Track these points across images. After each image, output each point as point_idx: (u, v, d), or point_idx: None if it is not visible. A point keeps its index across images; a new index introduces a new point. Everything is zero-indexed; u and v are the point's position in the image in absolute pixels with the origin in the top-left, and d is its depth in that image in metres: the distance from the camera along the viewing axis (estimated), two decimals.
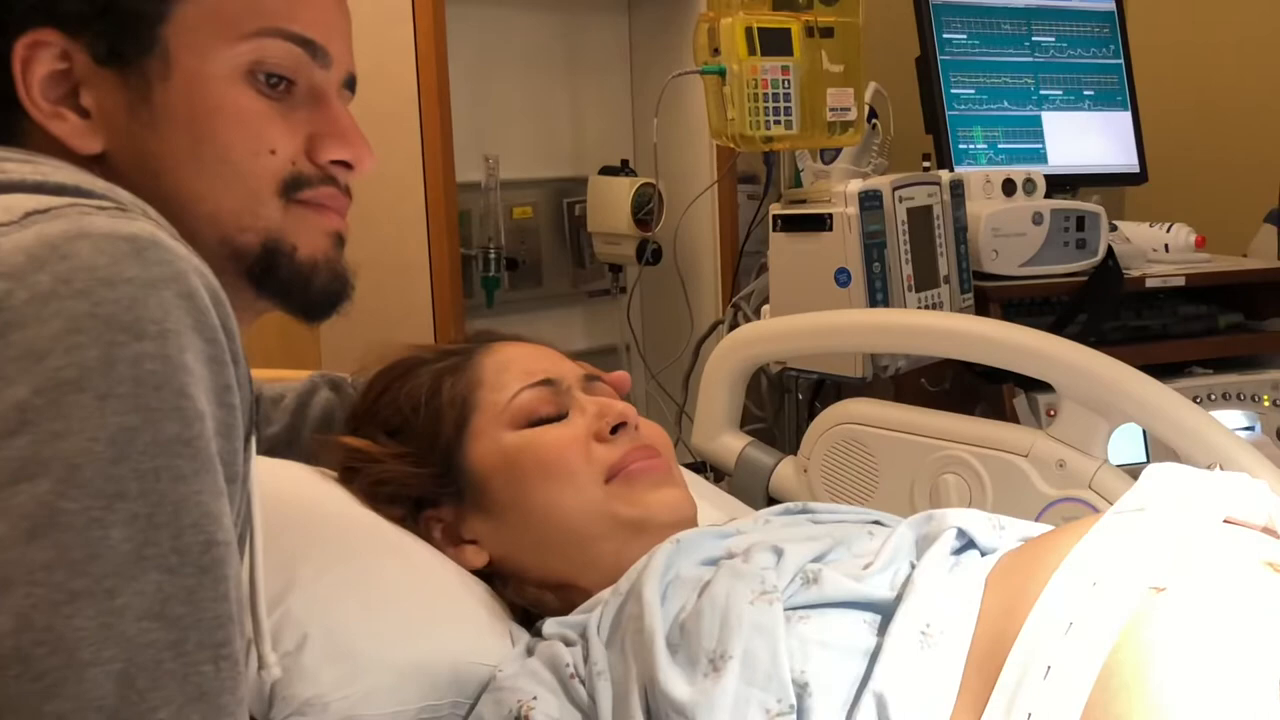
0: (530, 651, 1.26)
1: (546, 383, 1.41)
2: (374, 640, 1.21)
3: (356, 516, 1.37)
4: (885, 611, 1.16)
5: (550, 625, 1.28)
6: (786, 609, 1.15)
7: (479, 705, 1.23)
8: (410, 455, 1.40)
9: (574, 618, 1.28)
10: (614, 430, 1.40)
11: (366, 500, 1.40)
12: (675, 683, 1.11)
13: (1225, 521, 1.13)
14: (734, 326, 2.53)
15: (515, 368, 1.43)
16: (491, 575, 1.40)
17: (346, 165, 1.08)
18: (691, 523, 1.41)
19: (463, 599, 1.35)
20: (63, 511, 0.76)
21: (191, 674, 0.80)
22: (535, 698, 1.17)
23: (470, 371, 1.43)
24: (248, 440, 0.91)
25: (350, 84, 1.12)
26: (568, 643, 1.24)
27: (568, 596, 1.35)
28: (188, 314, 0.82)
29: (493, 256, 2.86)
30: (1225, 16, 3.21)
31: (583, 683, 1.17)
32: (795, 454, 1.99)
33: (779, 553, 1.24)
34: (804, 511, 1.42)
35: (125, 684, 0.77)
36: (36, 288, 0.79)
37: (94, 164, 0.98)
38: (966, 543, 1.26)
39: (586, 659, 1.19)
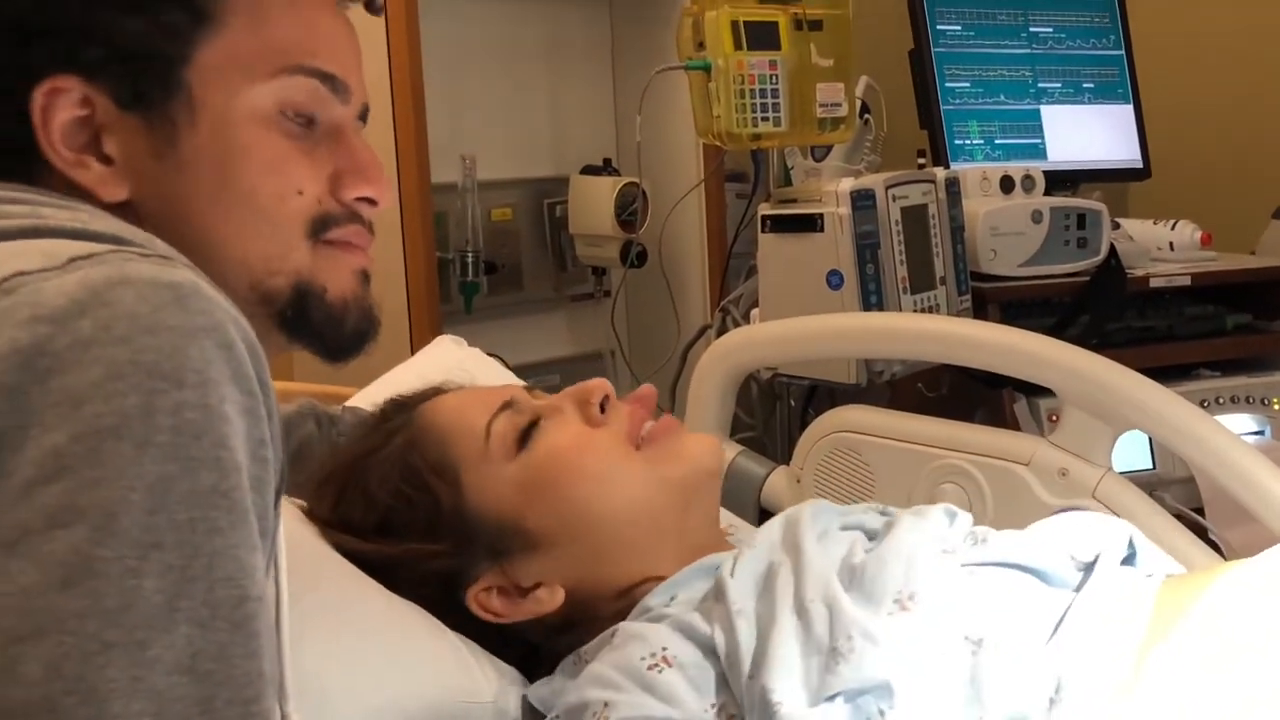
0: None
1: (507, 405, 1.38)
2: (344, 677, 1.19)
3: (322, 549, 1.33)
4: (1049, 581, 1.25)
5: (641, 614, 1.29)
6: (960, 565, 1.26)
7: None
8: (418, 539, 1.35)
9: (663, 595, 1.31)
10: (602, 410, 1.39)
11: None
12: (860, 612, 1.16)
13: None
14: (722, 331, 2.52)
15: (468, 409, 1.39)
16: (565, 620, 1.35)
17: (370, 201, 1.10)
18: (723, 463, 1.46)
19: (439, 632, 1.32)
20: (98, 560, 0.76)
21: None
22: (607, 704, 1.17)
23: (427, 436, 1.38)
24: (278, 496, 0.91)
25: (364, 115, 1.13)
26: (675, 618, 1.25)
27: (649, 590, 1.33)
28: (227, 364, 0.83)
29: (471, 260, 2.85)
30: (1230, 5, 3.21)
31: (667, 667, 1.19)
32: (787, 463, 1.98)
33: (952, 515, 1.35)
34: (886, 513, 1.44)
35: None
36: (78, 333, 0.79)
37: (119, 211, 0.98)
38: (1130, 555, 1.33)
39: (724, 601, 1.22)
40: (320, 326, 1.08)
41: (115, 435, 0.78)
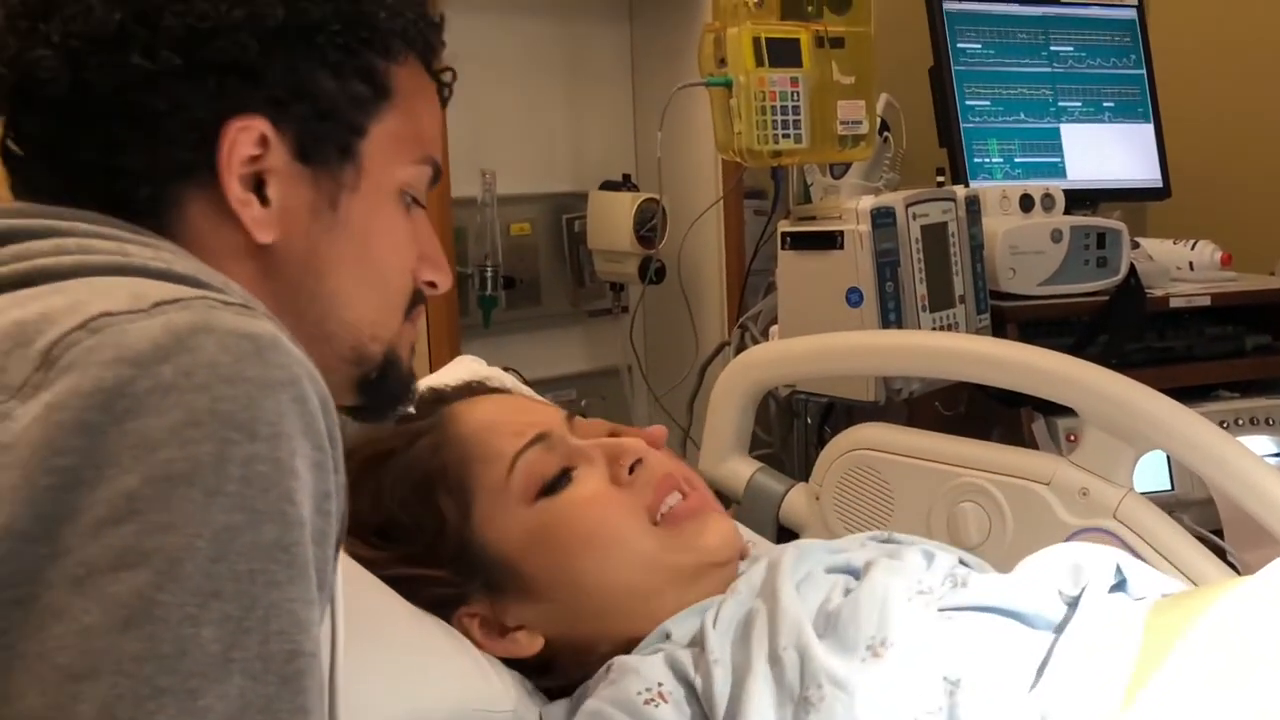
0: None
1: (540, 438, 1.37)
2: (370, 688, 1.19)
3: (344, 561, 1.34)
4: (1031, 623, 1.23)
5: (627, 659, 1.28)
6: (937, 610, 1.23)
7: None
8: (415, 557, 1.34)
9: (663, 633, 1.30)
10: (630, 470, 1.37)
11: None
12: (832, 659, 1.16)
13: None
14: (741, 348, 2.52)
15: (500, 431, 1.38)
16: (544, 663, 1.36)
17: (433, 285, 1.18)
18: (738, 553, 1.42)
19: (459, 642, 1.33)
20: (159, 604, 0.77)
21: None
22: None
23: (451, 450, 1.37)
24: (337, 548, 0.93)
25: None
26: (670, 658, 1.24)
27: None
28: (300, 419, 0.84)
29: (489, 275, 2.84)
30: (1251, 24, 3.21)
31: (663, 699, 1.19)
32: (805, 480, 1.98)
33: (930, 556, 1.33)
34: (889, 540, 1.43)
35: None
36: (159, 378, 0.80)
37: (257, 254, 1.03)
38: (1120, 582, 1.31)
39: (700, 657, 1.21)
40: (390, 393, 1.15)
41: (187, 482, 0.79)
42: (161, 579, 0.77)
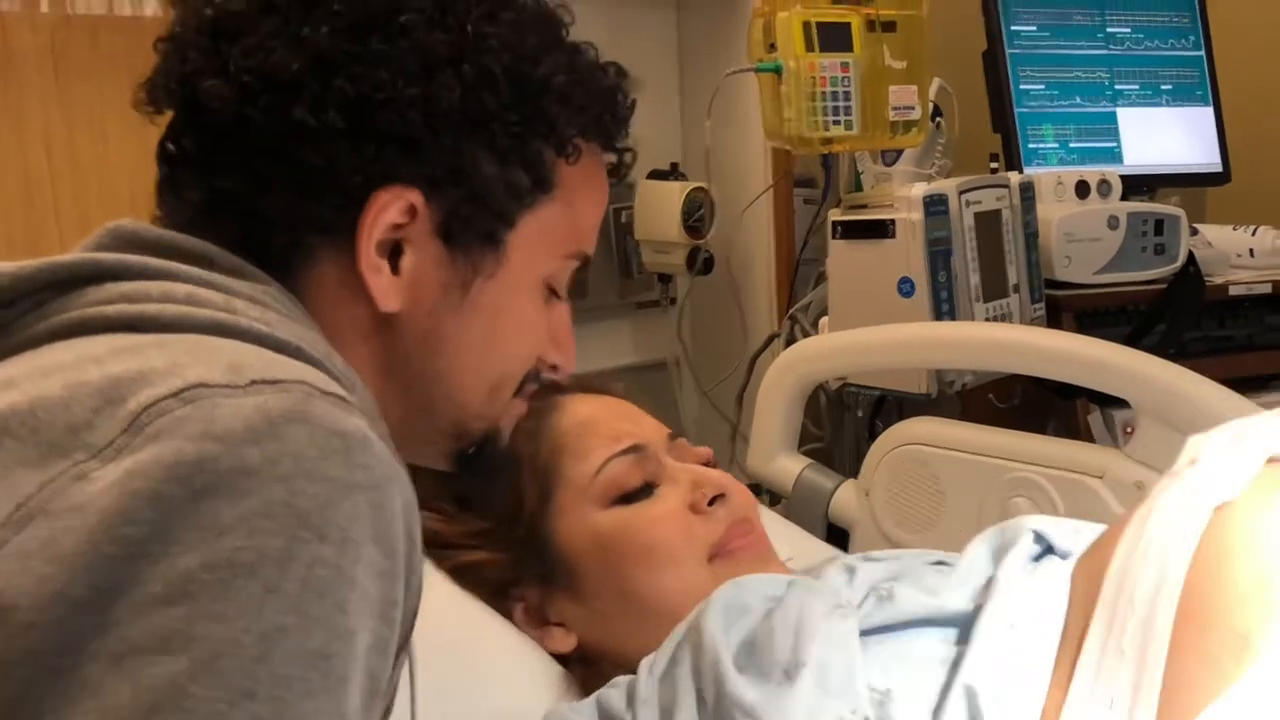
0: None
1: (634, 449, 1.40)
2: (434, 689, 1.20)
3: None
4: (964, 625, 1.18)
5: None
6: (862, 631, 1.18)
7: None
8: (490, 532, 1.38)
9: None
10: (710, 502, 1.40)
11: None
12: (745, 689, 1.14)
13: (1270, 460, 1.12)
14: (790, 340, 2.53)
15: (598, 432, 1.42)
16: (576, 660, 1.39)
17: (554, 368, 1.15)
18: None
19: (522, 647, 1.36)
20: (189, 696, 0.76)
21: None
22: None
23: (548, 436, 1.40)
24: (400, 650, 0.93)
25: None
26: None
27: None
28: (371, 524, 0.83)
29: None
30: None
31: None
32: (855, 476, 1.98)
33: (851, 570, 1.28)
34: (864, 561, 1.42)
35: None
36: (243, 460, 0.80)
37: (376, 321, 1.02)
38: (1045, 548, 1.27)
39: (632, 699, 1.21)
40: (484, 467, 1.13)
41: (249, 573, 0.78)
42: (198, 670, 0.76)
